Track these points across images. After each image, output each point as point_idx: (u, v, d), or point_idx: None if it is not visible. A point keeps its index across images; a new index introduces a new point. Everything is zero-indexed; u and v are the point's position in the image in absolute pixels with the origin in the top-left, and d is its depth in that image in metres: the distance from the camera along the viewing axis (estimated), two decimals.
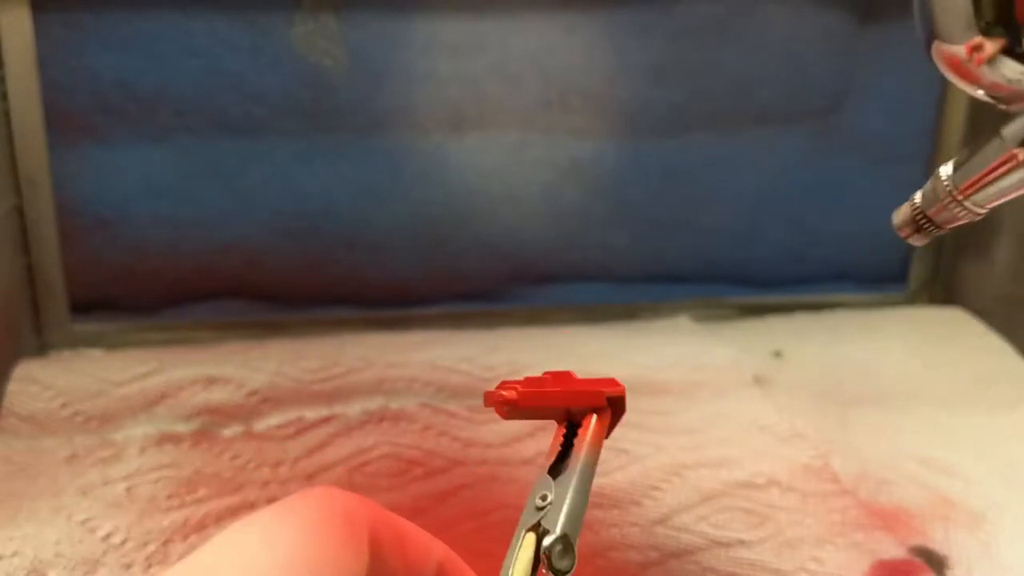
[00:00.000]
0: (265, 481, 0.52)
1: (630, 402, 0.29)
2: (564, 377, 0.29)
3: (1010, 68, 0.29)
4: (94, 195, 0.67)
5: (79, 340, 0.69)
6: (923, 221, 0.33)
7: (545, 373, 0.29)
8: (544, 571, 0.25)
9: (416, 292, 0.74)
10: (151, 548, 0.46)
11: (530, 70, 0.70)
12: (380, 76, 0.68)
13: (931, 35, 0.30)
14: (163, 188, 0.68)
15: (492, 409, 0.29)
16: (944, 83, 0.75)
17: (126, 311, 0.71)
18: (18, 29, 0.62)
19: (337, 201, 0.71)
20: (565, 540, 0.25)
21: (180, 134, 0.67)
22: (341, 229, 0.71)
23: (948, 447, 0.58)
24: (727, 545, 0.48)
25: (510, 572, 0.25)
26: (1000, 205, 0.32)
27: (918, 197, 0.33)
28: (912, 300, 0.80)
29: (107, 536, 0.47)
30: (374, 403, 0.60)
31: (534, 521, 0.26)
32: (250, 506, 0.50)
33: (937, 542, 0.49)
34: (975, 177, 0.31)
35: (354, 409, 0.59)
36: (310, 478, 0.53)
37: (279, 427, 0.58)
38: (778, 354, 0.69)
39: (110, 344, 0.69)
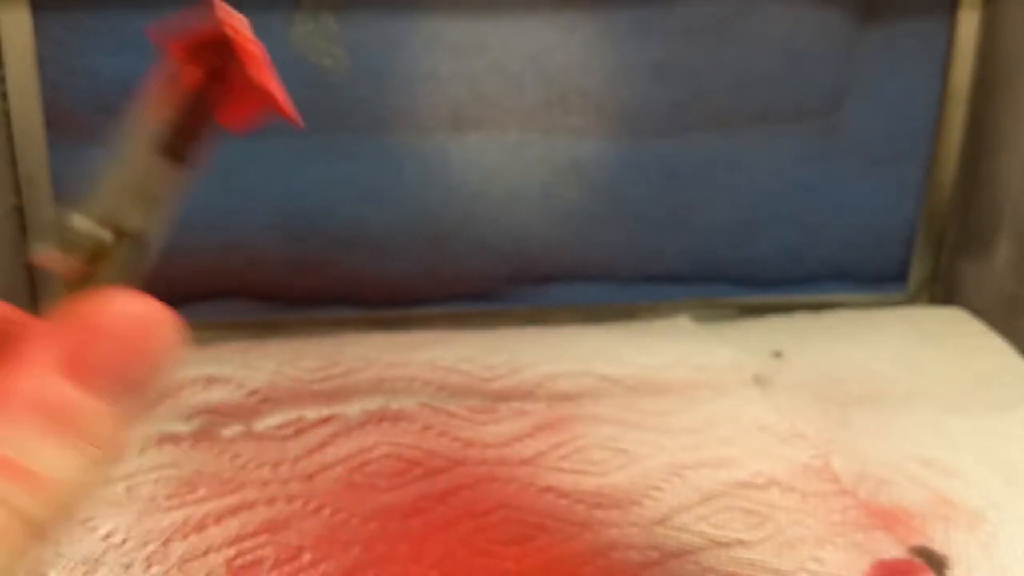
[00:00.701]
0: (265, 481, 0.52)
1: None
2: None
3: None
4: None
5: None
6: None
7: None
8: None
9: (416, 292, 0.74)
10: (151, 548, 0.46)
11: (530, 70, 0.70)
12: (380, 76, 0.68)
13: None
14: None
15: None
16: (944, 83, 0.75)
17: None
18: (18, 29, 0.62)
19: (337, 201, 0.71)
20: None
21: None
22: (341, 229, 0.71)
23: (948, 447, 0.58)
24: (727, 545, 0.48)
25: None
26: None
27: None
28: (912, 300, 0.80)
29: (107, 535, 0.47)
30: (374, 403, 0.60)
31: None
32: (250, 506, 0.50)
33: (937, 542, 0.49)
34: None
35: (354, 409, 0.59)
36: (310, 478, 0.53)
37: (279, 427, 0.58)
38: (778, 354, 0.69)
39: None
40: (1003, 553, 0.49)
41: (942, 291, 0.80)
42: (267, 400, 0.60)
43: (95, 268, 0.22)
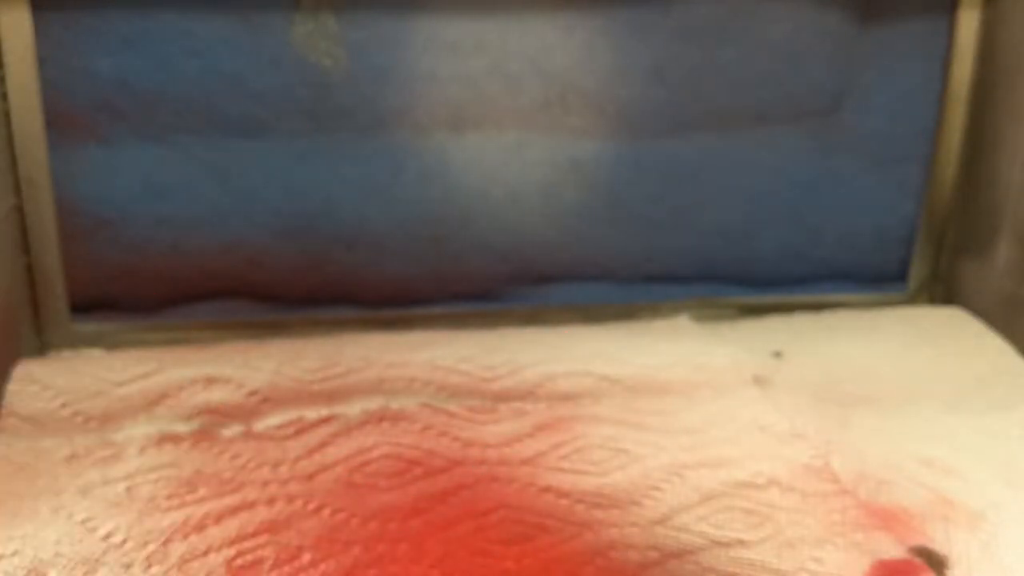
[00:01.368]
0: (265, 481, 0.52)
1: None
2: None
3: None
4: (94, 195, 0.67)
5: (79, 340, 0.69)
6: None
7: None
8: None
9: (416, 292, 0.74)
10: (151, 548, 0.47)
11: (530, 70, 0.70)
12: (380, 76, 0.68)
13: None
14: (163, 188, 0.68)
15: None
16: (944, 83, 0.75)
17: (126, 311, 0.71)
18: (18, 29, 0.62)
19: (337, 201, 0.71)
20: None
21: (180, 134, 0.67)
22: (341, 229, 0.71)
23: (948, 447, 0.58)
24: (727, 545, 0.48)
25: None
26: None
27: None
28: (912, 300, 0.80)
29: (107, 536, 0.47)
30: (374, 403, 0.60)
31: None
32: (250, 506, 0.50)
33: (937, 542, 0.49)
34: None
35: (354, 409, 0.60)
36: (310, 478, 0.53)
37: (279, 427, 0.58)
38: (778, 354, 0.69)
39: (110, 344, 0.69)
40: (1003, 553, 0.49)
41: (942, 291, 0.80)
42: (267, 400, 0.60)
43: None
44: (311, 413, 0.59)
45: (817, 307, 0.78)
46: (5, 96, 0.63)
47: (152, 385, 0.60)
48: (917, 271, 0.80)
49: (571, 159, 0.73)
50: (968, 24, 0.73)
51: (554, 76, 0.70)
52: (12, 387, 0.60)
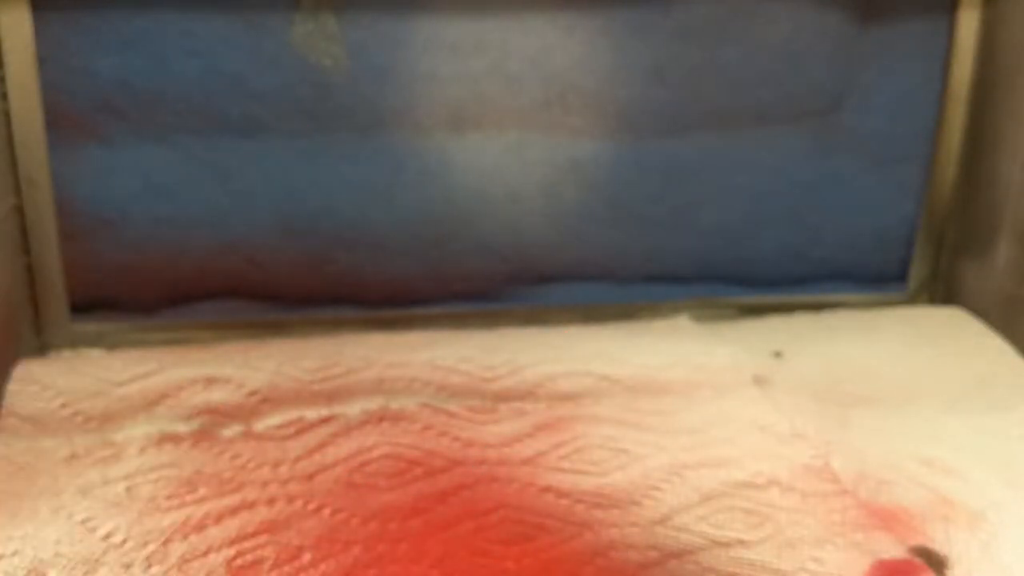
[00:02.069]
0: (265, 481, 0.52)
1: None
2: None
3: None
4: (94, 195, 0.67)
5: (79, 340, 0.69)
6: None
7: None
8: None
9: (416, 292, 0.74)
10: (151, 548, 0.47)
11: (530, 70, 0.70)
12: (380, 76, 0.68)
13: None
14: (163, 188, 0.68)
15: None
16: (944, 83, 0.75)
17: (126, 311, 0.71)
18: (18, 29, 0.62)
19: (337, 201, 0.71)
20: None
21: (180, 134, 0.67)
22: (341, 229, 0.71)
23: (948, 447, 0.58)
24: (727, 545, 0.48)
25: None
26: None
27: None
28: (912, 300, 0.80)
29: (107, 536, 0.47)
30: (374, 403, 0.60)
31: None
32: (250, 506, 0.50)
33: (937, 542, 0.49)
34: None
35: (354, 409, 0.60)
36: (310, 478, 0.53)
37: (279, 427, 0.58)
38: (778, 354, 0.69)
39: (110, 344, 0.69)
40: (1003, 553, 0.49)
41: (942, 291, 0.80)
42: (267, 400, 0.60)
43: None
44: (311, 413, 0.59)
45: (817, 307, 0.78)
46: (5, 96, 0.63)
47: (152, 385, 0.60)
48: (917, 271, 0.80)
49: (571, 159, 0.73)
50: (968, 24, 0.73)
51: (554, 76, 0.70)
52: (12, 387, 0.60)
